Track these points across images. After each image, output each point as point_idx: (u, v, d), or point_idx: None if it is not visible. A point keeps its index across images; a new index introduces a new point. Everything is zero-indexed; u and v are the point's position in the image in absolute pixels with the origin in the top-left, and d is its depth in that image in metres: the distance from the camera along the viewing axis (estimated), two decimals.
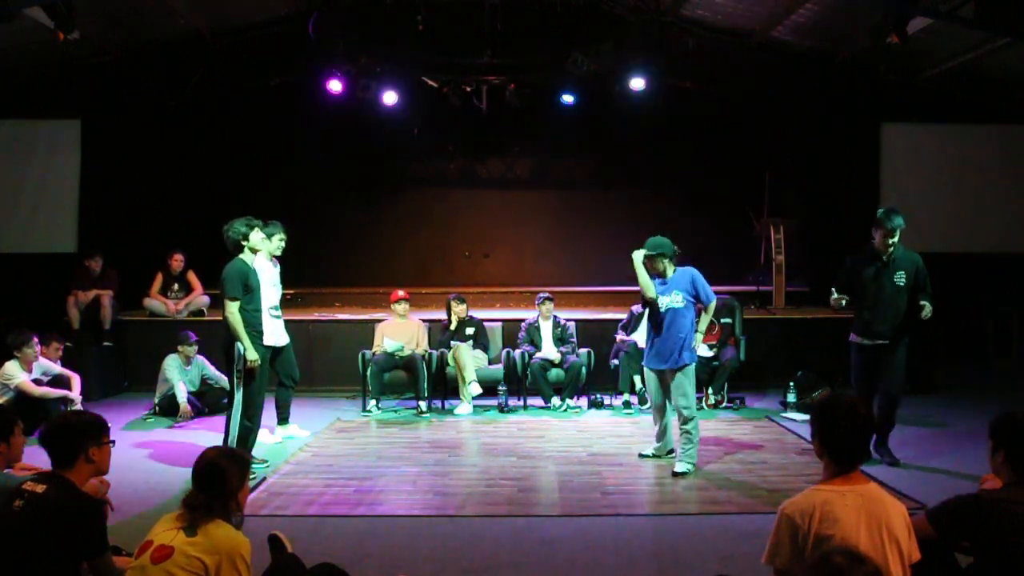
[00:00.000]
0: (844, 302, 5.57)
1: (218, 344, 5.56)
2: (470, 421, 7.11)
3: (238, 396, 5.25)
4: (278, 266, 6.21)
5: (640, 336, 7.71)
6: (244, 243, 5.44)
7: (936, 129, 10.19)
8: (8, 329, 6.53)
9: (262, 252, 5.77)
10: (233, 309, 5.20)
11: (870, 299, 5.48)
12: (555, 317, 7.83)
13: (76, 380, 6.61)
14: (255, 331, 5.36)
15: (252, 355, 5.25)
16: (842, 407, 2.49)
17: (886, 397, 5.48)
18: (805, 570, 2.06)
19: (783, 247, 9.23)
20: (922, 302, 5.30)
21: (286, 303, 7.13)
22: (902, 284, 5.41)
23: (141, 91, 9.52)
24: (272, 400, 6.28)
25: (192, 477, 2.68)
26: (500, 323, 8.21)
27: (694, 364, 5.38)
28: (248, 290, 5.30)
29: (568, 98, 9.76)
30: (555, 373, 7.54)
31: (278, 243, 6.09)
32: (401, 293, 7.83)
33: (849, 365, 5.77)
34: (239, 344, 5.24)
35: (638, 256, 5.39)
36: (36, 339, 6.45)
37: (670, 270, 5.46)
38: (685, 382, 5.31)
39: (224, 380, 7.06)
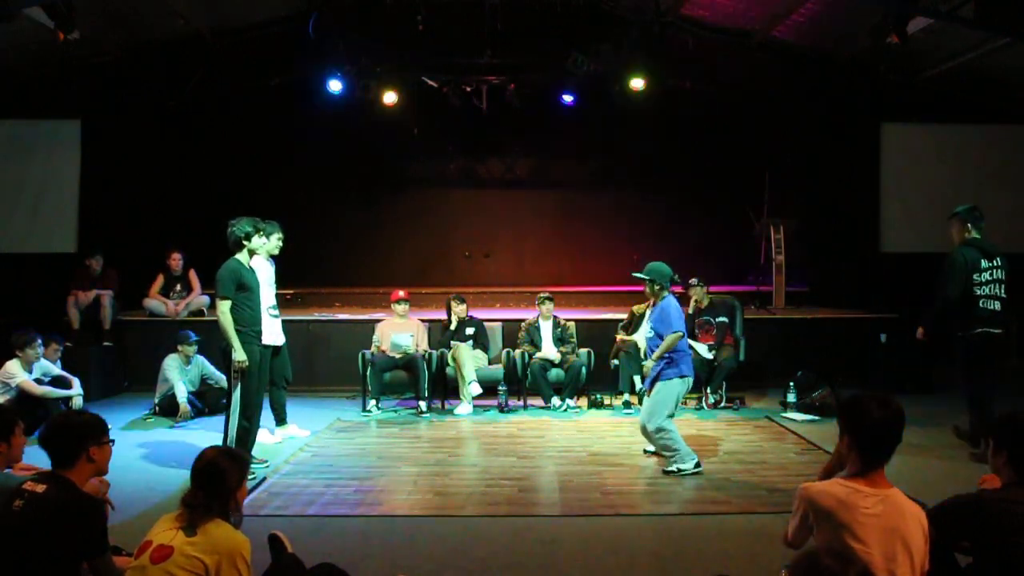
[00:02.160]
0: None
1: (217, 344, 5.56)
2: (470, 421, 7.11)
3: (235, 396, 5.25)
4: (273, 265, 6.20)
5: (640, 336, 7.71)
6: (245, 243, 5.42)
7: (936, 129, 10.20)
8: (8, 329, 6.53)
9: (260, 252, 5.78)
10: (224, 309, 5.18)
11: None
12: (555, 317, 7.83)
13: (76, 382, 6.61)
14: (253, 330, 5.34)
15: (240, 356, 5.20)
16: (873, 403, 2.50)
17: None
18: (792, 571, 2.07)
19: (783, 247, 9.23)
20: None
21: (286, 303, 7.14)
22: None
23: (141, 91, 9.53)
24: (267, 401, 6.29)
25: (191, 476, 2.69)
26: (500, 323, 8.21)
27: (666, 384, 5.35)
28: (244, 289, 5.28)
29: (568, 98, 9.76)
30: (555, 373, 7.54)
31: (276, 243, 6.09)
32: (401, 293, 7.83)
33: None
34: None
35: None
36: (39, 340, 6.45)
37: (661, 296, 5.52)
38: (649, 401, 5.42)
39: (224, 379, 7.07)
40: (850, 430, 2.51)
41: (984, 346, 5.51)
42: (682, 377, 5.38)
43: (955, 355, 5.70)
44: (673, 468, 5.27)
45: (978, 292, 5.49)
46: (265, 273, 5.96)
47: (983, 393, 5.56)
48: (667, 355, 5.36)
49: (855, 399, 2.58)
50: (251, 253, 5.51)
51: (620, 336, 7.86)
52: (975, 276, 5.51)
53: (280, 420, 6.41)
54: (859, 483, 2.44)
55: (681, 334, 5.35)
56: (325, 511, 4.61)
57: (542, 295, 7.87)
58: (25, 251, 9.67)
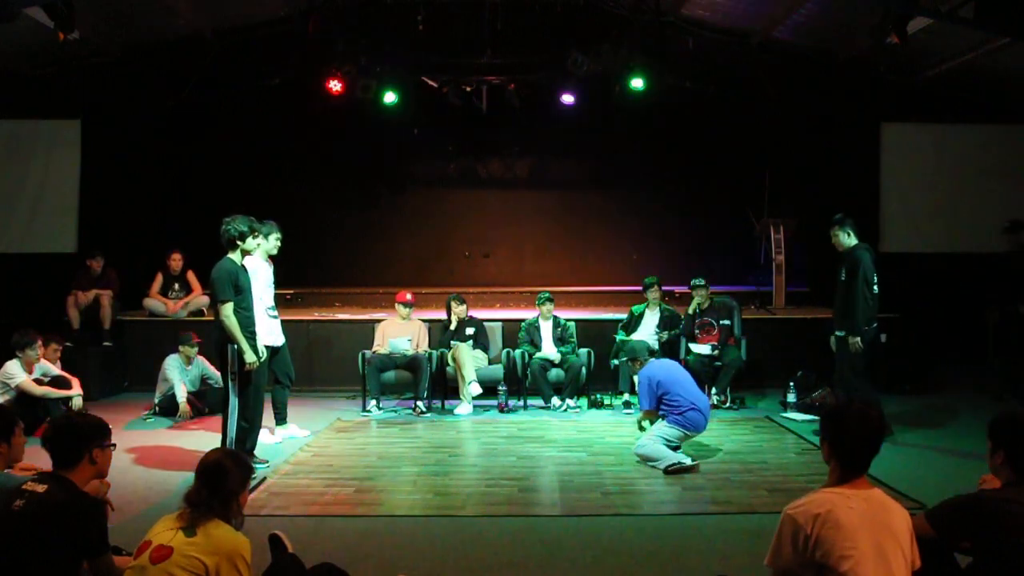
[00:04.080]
0: None
1: (214, 344, 5.52)
2: (470, 421, 7.11)
3: (233, 398, 5.23)
4: (271, 266, 6.19)
5: (640, 336, 7.72)
6: (239, 243, 5.33)
7: (936, 129, 10.19)
8: (8, 329, 6.53)
9: (258, 252, 5.76)
10: (228, 312, 5.15)
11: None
12: (555, 317, 7.83)
13: (76, 382, 6.60)
14: (248, 332, 5.29)
15: (251, 357, 5.21)
16: (853, 411, 2.50)
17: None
18: None
19: (783, 247, 9.22)
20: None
21: (286, 303, 7.14)
22: (843, 278, 6.18)
23: (141, 91, 9.52)
24: (269, 400, 6.30)
25: (195, 475, 2.70)
26: (500, 323, 8.21)
27: (671, 427, 5.49)
28: (239, 290, 5.23)
29: (568, 98, 9.75)
30: (555, 373, 7.54)
31: (274, 243, 6.03)
32: (408, 296, 7.82)
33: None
34: (232, 346, 5.20)
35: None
36: (40, 341, 6.44)
37: (638, 369, 5.88)
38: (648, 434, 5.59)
39: None
40: (830, 440, 2.52)
41: (876, 336, 6.24)
42: (684, 429, 5.47)
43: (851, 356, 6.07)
44: (674, 462, 5.28)
45: (876, 290, 6.06)
46: (263, 274, 5.93)
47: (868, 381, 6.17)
48: (677, 409, 5.47)
49: (836, 409, 2.59)
50: (244, 253, 5.43)
51: (620, 336, 7.86)
52: (874, 278, 6.05)
53: (280, 420, 6.41)
54: (840, 488, 2.44)
55: (644, 412, 5.63)
56: (325, 511, 4.62)
57: (542, 295, 7.86)
58: (25, 251, 9.67)
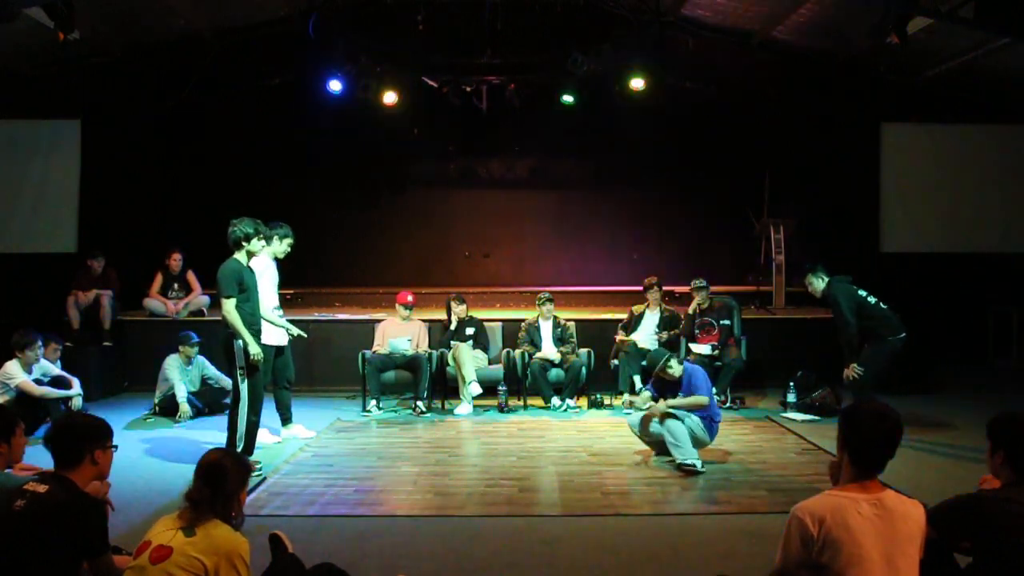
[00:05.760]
0: None
1: (218, 343, 5.59)
2: (470, 421, 7.11)
3: (244, 391, 5.28)
4: (275, 266, 6.21)
5: (640, 336, 7.72)
6: (244, 244, 5.44)
7: (936, 129, 10.20)
8: (8, 329, 6.53)
9: (265, 253, 5.83)
10: (229, 307, 5.26)
11: None
12: (555, 317, 7.82)
13: (76, 382, 6.60)
14: (253, 329, 5.40)
15: (254, 349, 5.30)
16: (870, 411, 2.49)
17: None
18: None
19: (783, 247, 9.22)
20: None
21: (286, 303, 7.14)
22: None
23: (141, 91, 9.52)
24: (271, 401, 6.30)
25: (195, 474, 2.70)
26: (500, 323, 8.21)
27: (696, 419, 5.46)
28: (243, 289, 5.33)
29: (568, 98, 9.75)
30: (555, 373, 7.53)
31: (285, 246, 6.14)
32: (410, 298, 7.82)
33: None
34: (238, 341, 5.27)
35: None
36: (40, 341, 6.44)
37: (677, 371, 5.66)
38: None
39: (224, 379, 7.08)
40: (844, 439, 2.50)
41: (901, 348, 6.29)
42: (708, 434, 5.48)
43: (870, 361, 6.22)
44: (691, 462, 5.23)
45: (882, 304, 6.21)
46: (269, 274, 6.00)
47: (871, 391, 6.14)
48: (705, 412, 5.46)
49: (853, 409, 2.57)
50: (250, 254, 5.53)
51: (620, 336, 7.86)
52: (863, 296, 6.21)
53: (286, 420, 6.42)
54: (851, 490, 2.42)
55: (704, 400, 5.49)
56: (325, 511, 4.62)
57: (542, 295, 7.86)
58: (25, 251, 9.67)
